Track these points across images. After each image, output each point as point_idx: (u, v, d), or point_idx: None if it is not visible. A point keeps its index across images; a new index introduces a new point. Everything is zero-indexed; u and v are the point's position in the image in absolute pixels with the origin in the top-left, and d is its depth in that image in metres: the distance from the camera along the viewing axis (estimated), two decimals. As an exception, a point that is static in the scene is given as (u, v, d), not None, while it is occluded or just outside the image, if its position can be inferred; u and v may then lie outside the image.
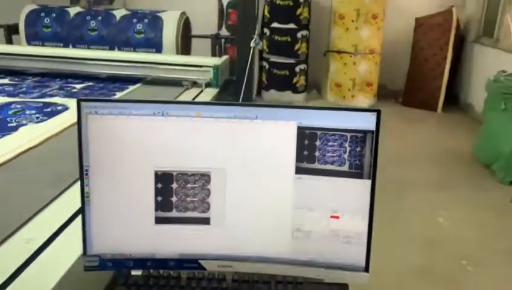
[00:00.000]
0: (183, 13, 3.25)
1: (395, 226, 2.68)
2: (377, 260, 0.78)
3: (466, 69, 5.42)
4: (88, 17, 3.22)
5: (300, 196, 0.68)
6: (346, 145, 0.67)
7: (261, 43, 1.65)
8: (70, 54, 2.66)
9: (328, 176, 0.68)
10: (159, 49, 3.14)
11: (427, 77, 5.19)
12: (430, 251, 2.46)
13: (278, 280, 0.71)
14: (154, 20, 3.21)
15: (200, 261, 0.71)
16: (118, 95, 2.25)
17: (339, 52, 5.19)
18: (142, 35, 3.15)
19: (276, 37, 5.09)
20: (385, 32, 5.20)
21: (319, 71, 5.51)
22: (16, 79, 2.45)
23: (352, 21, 5.06)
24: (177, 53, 3.09)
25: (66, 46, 3.12)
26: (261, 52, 5.10)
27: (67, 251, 0.75)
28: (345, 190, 0.68)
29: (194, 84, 2.41)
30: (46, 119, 1.75)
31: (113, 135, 0.66)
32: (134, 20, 3.22)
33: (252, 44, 1.55)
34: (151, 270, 0.72)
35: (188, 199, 0.69)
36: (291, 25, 5.03)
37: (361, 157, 0.67)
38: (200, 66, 2.45)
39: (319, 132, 0.66)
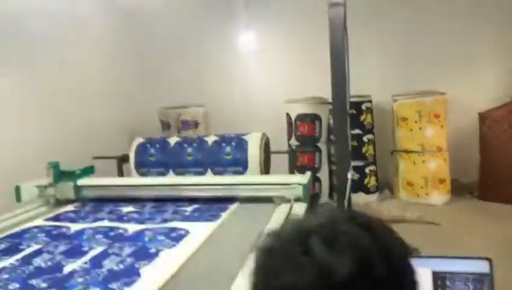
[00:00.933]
0: (263, 134, 3.76)
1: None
2: None
3: (542, 158, 5.29)
4: (185, 145, 3.79)
5: (439, 321, 0.92)
6: (469, 283, 0.92)
7: (355, 174, 1.95)
8: (178, 181, 3.20)
9: (458, 307, 0.92)
10: (244, 167, 3.60)
11: (502, 169, 5.12)
12: None
13: None
14: (240, 143, 3.70)
15: None
16: (223, 215, 2.63)
17: (406, 151, 5.38)
18: (230, 157, 3.62)
19: (344, 143, 5.45)
20: (449, 128, 5.35)
21: (388, 171, 5.66)
22: (137, 206, 2.91)
23: (416, 122, 5.31)
24: (261, 169, 3.53)
25: (166, 170, 3.66)
26: (329, 155, 5.40)
27: None
28: (473, 318, 0.91)
29: (282, 198, 2.78)
30: (176, 244, 2.14)
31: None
32: (223, 144, 3.73)
33: (349, 175, 1.85)
34: None
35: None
36: (357, 131, 5.39)
37: (482, 292, 0.91)
38: (290, 184, 2.84)
39: (448, 275, 0.92)
